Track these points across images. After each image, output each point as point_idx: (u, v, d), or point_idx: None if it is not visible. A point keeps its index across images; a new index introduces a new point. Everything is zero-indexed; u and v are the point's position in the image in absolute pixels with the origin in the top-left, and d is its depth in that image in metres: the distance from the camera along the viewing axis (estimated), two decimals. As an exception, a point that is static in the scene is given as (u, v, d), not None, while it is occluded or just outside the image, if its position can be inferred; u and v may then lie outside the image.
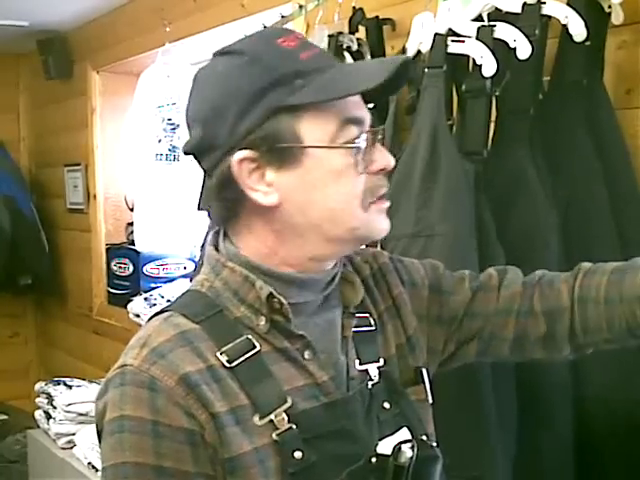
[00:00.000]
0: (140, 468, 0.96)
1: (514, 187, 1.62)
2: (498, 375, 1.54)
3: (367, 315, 1.18)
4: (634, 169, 1.61)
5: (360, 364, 1.12)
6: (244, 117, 1.01)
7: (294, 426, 1.00)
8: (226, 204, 1.08)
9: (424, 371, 1.20)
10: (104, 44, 3.99)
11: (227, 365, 1.01)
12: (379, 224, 1.08)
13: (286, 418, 1.00)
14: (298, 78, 1.01)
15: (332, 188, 1.03)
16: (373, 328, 1.18)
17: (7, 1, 3.61)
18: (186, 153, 1.10)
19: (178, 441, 0.96)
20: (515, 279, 1.27)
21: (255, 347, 1.03)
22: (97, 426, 1.04)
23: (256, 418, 1.00)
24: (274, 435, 0.99)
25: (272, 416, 1.00)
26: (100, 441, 1.02)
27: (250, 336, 1.04)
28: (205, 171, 1.09)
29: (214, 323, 1.04)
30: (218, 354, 1.01)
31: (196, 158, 1.09)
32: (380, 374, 1.13)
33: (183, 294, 1.12)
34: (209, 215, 1.15)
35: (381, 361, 1.15)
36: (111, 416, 0.98)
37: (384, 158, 1.07)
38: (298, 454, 0.99)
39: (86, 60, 4.19)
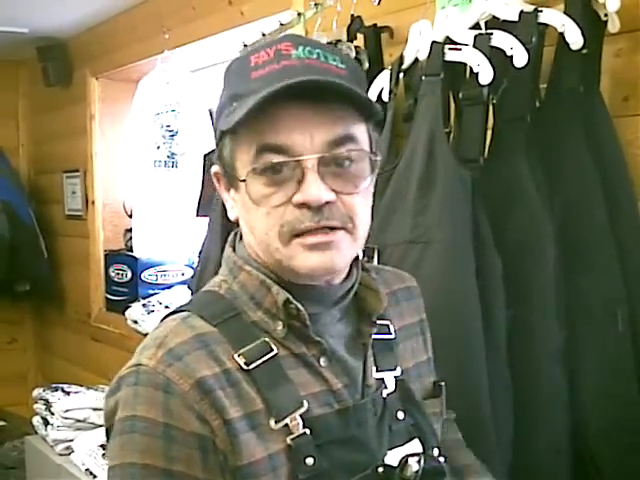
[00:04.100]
0: (149, 470, 0.95)
1: (511, 194, 1.62)
2: (494, 382, 1.54)
3: (387, 323, 1.16)
4: (631, 176, 1.61)
5: (377, 371, 1.11)
6: (215, 136, 1.07)
7: (308, 431, 0.99)
8: None
9: (443, 385, 1.20)
10: (103, 51, 3.99)
11: (244, 368, 1.00)
12: (301, 261, 1.00)
13: (301, 423, 0.99)
14: (235, 101, 1.00)
15: (255, 217, 1.02)
16: (392, 336, 1.16)
17: (7, 8, 3.62)
18: None
19: (189, 446, 0.95)
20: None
21: (272, 350, 1.02)
22: (106, 423, 1.02)
23: (272, 422, 0.99)
24: (288, 440, 0.99)
25: (287, 420, 0.99)
26: (108, 438, 1.01)
27: (267, 339, 1.03)
28: None
29: (231, 326, 1.03)
30: (235, 356, 1.00)
31: None
32: (396, 383, 1.12)
33: (201, 294, 1.12)
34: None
35: (398, 370, 1.14)
36: (123, 415, 0.97)
37: (306, 192, 0.97)
38: (310, 460, 0.98)
39: (85, 67, 4.20)
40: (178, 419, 0.95)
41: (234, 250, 1.12)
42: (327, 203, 0.98)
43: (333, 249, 1.00)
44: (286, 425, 0.99)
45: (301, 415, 1.00)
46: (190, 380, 0.97)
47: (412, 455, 1.05)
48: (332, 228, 1.00)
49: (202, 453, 0.96)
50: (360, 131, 1.03)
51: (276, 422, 0.99)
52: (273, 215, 1.00)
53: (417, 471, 1.02)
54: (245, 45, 2.41)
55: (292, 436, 0.99)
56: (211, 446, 0.96)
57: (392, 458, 1.05)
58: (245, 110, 0.96)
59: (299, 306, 1.03)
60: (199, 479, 0.96)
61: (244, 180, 1.01)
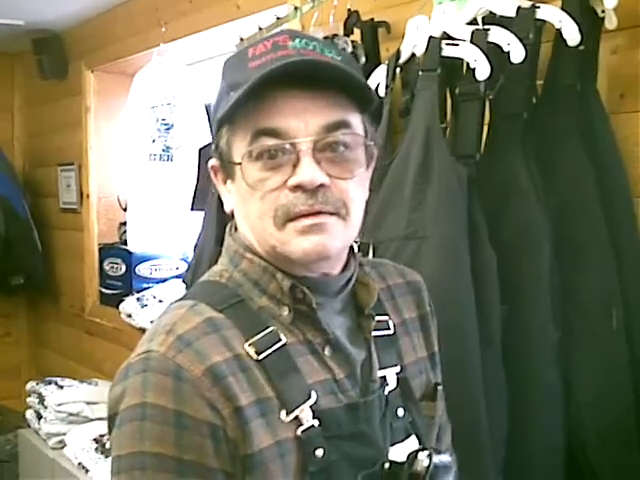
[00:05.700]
0: (160, 459, 0.93)
1: (507, 190, 1.62)
2: (489, 379, 1.54)
3: (386, 319, 1.16)
4: (627, 173, 1.62)
5: (380, 368, 1.11)
6: (213, 129, 1.08)
7: (317, 423, 0.99)
8: None
9: (439, 389, 1.19)
10: (99, 44, 3.99)
11: (255, 357, 0.99)
12: (294, 246, 1.00)
13: (310, 414, 0.99)
14: (232, 90, 1.00)
15: (250, 203, 1.03)
16: (392, 332, 1.15)
17: (2, 0, 3.61)
18: None
19: (201, 434, 0.94)
20: None
21: (281, 340, 1.01)
22: (110, 411, 1.00)
23: (283, 414, 0.98)
24: (298, 431, 0.98)
25: (297, 412, 0.98)
26: (111, 427, 0.99)
27: (275, 327, 1.02)
28: None
29: (238, 312, 1.03)
30: (246, 346, 0.99)
31: None
32: (397, 380, 1.12)
33: (202, 284, 1.11)
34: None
35: (398, 367, 1.14)
36: (131, 402, 0.96)
37: (301, 174, 0.98)
38: (320, 452, 0.98)
39: (81, 60, 4.19)
40: (189, 406, 0.94)
41: (234, 240, 1.11)
42: (321, 186, 0.99)
43: (326, 233, 1.00)
44: (296, 417, 0.99)
45: (310, 406, 0.99)
46: (201, 366, 0.96)
47: (421, 450, 1.05)
48: (325, 213, 1.00)
49: (214, 442, 0.95)
50: (355, 120, 1.04)
51: (287, 414, 0.98)
52: (268, 199, 1.00)
53: (428, 466, 1.02)
54: (241, 39, 2.40)
55: (302, 428, 0.98)
56: (222, 435, 0.95)
57: (395, 454, 1.05)
58: (241, 93, 0.97)
59: (305, 290, 1.03)
60: (211, 469, 0.94)
61: (240, 163, 1.01)
